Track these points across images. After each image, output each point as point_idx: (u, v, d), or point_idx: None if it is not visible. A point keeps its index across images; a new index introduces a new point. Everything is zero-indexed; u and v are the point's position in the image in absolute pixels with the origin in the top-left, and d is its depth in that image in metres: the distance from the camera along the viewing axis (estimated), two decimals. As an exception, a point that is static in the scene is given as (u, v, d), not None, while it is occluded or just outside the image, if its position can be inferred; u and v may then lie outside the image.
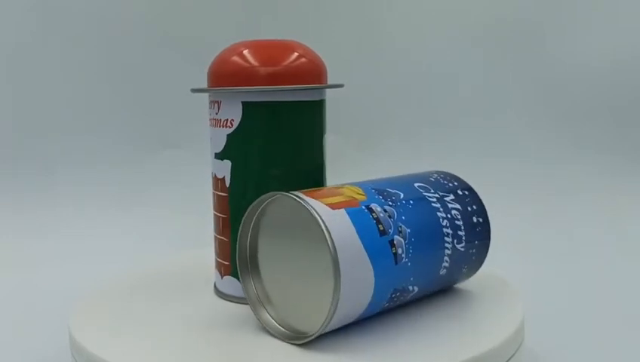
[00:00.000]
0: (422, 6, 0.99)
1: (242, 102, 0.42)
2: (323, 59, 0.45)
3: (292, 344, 0.37)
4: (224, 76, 0.43)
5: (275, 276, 0.39)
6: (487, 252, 0.45)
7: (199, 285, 0.47)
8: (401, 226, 0.38)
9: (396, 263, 0.37)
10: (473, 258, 0.43)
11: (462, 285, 0.47)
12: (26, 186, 0.90)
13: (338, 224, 0.35)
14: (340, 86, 0.46)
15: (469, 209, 0.43)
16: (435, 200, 0.41)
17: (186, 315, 0.42)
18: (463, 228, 0.42)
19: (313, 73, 0.43)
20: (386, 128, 0.98)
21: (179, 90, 0.94)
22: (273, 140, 0.42)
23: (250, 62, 0.42)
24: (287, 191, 0.37)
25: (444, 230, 0.41)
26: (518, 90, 0.97)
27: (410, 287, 0.39)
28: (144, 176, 0.57)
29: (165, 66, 0.97)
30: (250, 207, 0.38)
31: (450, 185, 0.44)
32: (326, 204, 0.36)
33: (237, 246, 0.39)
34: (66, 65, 0.95)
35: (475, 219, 0.43)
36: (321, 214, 0.34)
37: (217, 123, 0.43)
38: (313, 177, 0.44)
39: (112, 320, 0.42)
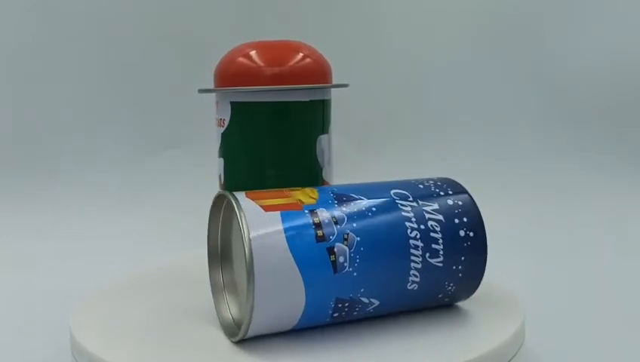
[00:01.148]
0: (422, 7, 0.99)
1: (230, 103, 0.43)
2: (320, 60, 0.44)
3: (230, 340, 0.37)
4: (221, 77, 0.44)
5: (239, 271, 0.39)
6: (482, 269, 0.40)
7: (199, 285, 0.47)
8: (348, 234, 0.36)
9: (336, 272, 0.35)
10: (460, 275, 0.39)
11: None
12: (27, 187, 0.90)
13: (264, 226, 0.34)
14: (324, 87, 0.44)
15: (456, 221, 0.39)
16: (408, 208, 0.38)
17: (187, 315, 0.42)
18: (441, 241, 0.38)
19: (304, 74, 0.43)
20: (387, 129, 0.97)
21: (179, 90, 0.97)
22: (258, 140, 0.43)
23: (246, 63, 0.43)
24: (231, 191, 0.37)
25: (412, 241, 0.37)
26: (519, 91, 0.96)
27: (366, 299, 0.37)
28: (144, 176, 0.58)
29: (165, 67, 0.98)
30: (212, 201, 0.39)
31: (442, 193, 0.40)
32: (261, 206, 0.35)
33: (207, 238, 0.41)
34: (66, 66, 0.96)
35: (462, 233, 0.39)
36: (247, 215, 0.34)
37: (217, 122, 0.45)
38: (304, 178, 0.43)
39: (112, 320, 0.41)
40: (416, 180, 0.42)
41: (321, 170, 0.45)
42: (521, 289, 0.47)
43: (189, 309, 0.43)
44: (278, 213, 0.35)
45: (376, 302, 0.37)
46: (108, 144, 0.94)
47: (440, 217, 0.38)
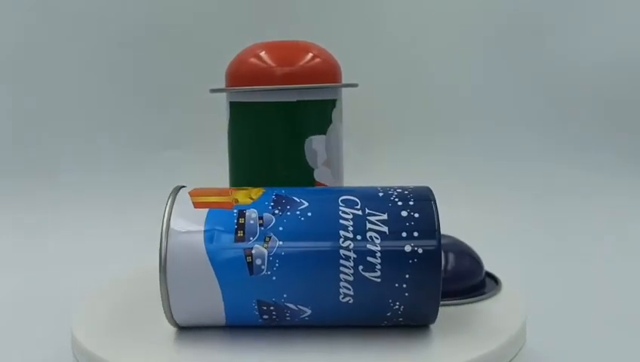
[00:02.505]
0: (422, 7, 0.98)
1: (229, 103, 0.45)
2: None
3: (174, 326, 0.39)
4: (230, 77, 0.46)
5: None
6: (435, 290, 0.35)
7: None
8: (270, 236, 0.35)
9: (252, 274, 0.35)
10: (407, 294, 0.35)
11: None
12: (27, 187, 0.90)
13: (186, 222, 0.35)
14: (323, 87, 0.43)
15: (404, 235, 0.35)
16: (349, 217, 0.35)
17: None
18: (378, 254, 0.35)
19: (260, 76, 0.42)
20: (387, 130, 0.95)
21: (179, 91, 0.97)
22: (246, 140, 0.44)
23: (246, 65, 0.44)
24: (183, 187, 0.39)
25: (343, 252, 0.35)
26: (518, 91, 0.96)
27: (293, 306, 0.35)
28: (144, 176, 0.55)
29: (166, 68, 0.96)
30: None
31: (399, 204, 0.36)
32: (194, 202, 0.37)
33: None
34: (66, 66, 0.94)
35: (408, 248, 0.35)
36: (173, 210, 0.36)
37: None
38: (292, 178, 0.43)
39: (113, 320, 0.42)
40: (385, 187, 0.38)
41: (312, 170, 0.44)
42: (521, 289, 0.47)
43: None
44: (206, 210, 0.36)
45: (308, 311, 0.36)
46: (108, 144, 0.94)
47: (384, 229, 0.35)
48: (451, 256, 0.48)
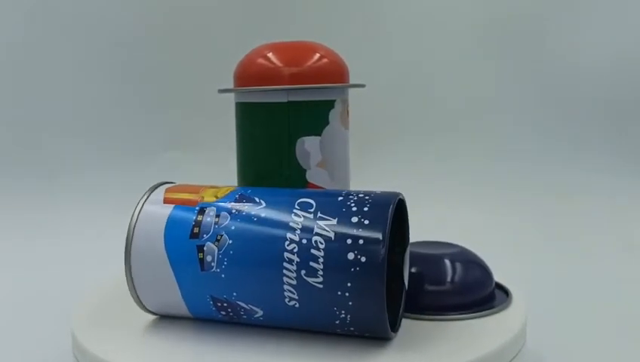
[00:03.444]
0: (421, 7, 0.97)
1: (235, 103, 0.46)
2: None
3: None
4: (234, 78, 0.47)
5: None
6: (378, 302, 0.33)
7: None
8: (221, 235, 0.36)
9: (203, 270, 0.36)
10: (350, 303, 0.33)
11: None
12: (28, 188, 0.90)
13: (152, 216, 0.37)
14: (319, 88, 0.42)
15: (349, 242, 0.33)
16: (300, 220, 0.35)
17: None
18: (322, 260, 0.34)
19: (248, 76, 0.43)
20: (387, 130, 0.94)
21: (180, 92, 0.94)
22: (244, 140, 0.44)
23: (251, 66, 0.45)
24: (166, 183, 0.41)
25: (287, 255, 0.34)
26: (519, 91, 0.95)
27: (244, 305, 0.36)
28: (145, 177, 0.51)
29: (166, 68, 0.94)
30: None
31: (354, 209, 0.35)
32: (165, 198, 0.38)
33: None
34: (67, 67, 0.94)
35: (351, 256, 0.33)
36: (145, 205, 0.38)
37: (242, 121, 0.48)
38: (282, 178, 0.43)
39: (114, 321, 0.42)
40: (351, 192, 0.37)
41: (304, 171, 0.44)
42: (522, 289, 0.46)
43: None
44: (172, 206, 0.38)
45: (260, 311, 0.36)
46: (109, 145, 0.94)
47: (330, 234, 0.34)
48: (458, 267, 0.45)
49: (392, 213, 0.35)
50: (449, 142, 0.96)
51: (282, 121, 0.43)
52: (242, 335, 0.38)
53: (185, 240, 0.37)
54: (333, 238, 0.34)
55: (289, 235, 0.35)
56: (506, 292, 0.46)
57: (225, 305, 0.37)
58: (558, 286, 0.63)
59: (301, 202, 0.37)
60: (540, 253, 0.73)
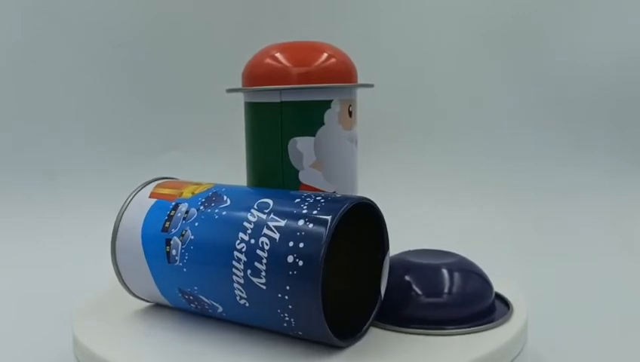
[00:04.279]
0: (422, 8, 0.97)
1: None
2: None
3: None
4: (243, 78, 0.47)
5: None
6: (313, 308, 0.32)
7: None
8: (186, 230, 0.37)
9: (169, 262, 0.37)
10: (290, 307, 0.33)
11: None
12: (29, 188, 0.89)
13: (136, 208, 0.40)
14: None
15: (290, 244, 0.33)
16: (254, 220, 0.35)
17: (189, 315, 0.42)
18: (265, 261, 0.33)
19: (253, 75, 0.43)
20: (387, 130, 0.93)
21: (180, 92, 0.92)
22: (247, 139, 0.45)
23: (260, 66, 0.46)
24: (162, 179, 0.44)
25: (236, 254, 0.35)
26: (519, 92, 0.95)
27: (206, 299, 0.37)
28: (145, 177, 0.49)
29: (166, 68, 0.93)
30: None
31: (305, 211, 0.34)
32: (152, 192, 0.41)
33: None
34: (67, 68, 0.93)
35: (290, 259, 0.33)
36: (134, 198, 0.41)
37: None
38: (276, 179, 0.44)
39: (114, 321, 0.42)
40: (312, 194, 0.36)
41: (297, 172, 0.43)
42: (522, 289, 0.46)
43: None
44: (154, 201, 0.40)
45: (219, 307, 0.37)
46: (109, 145, 0.93)
47: (276, 236, 0.34)
48: (456, 278, 0.42)
49: (338, 217, 0.34)
50: (449, 143, 0.96)
51: (276, 121, 0.44)
52: (244, 337, 0.38)
53: (157, 233, 0.39)
54: (277, 240, 0.34)
55: (241, 235, 0.36)
56: (506, 303, 0.43)
57: (191, 297, 0.38)
58: (558, 285, 0.63)
59: (260, 202, 0.37)
60: (540, 253, 0.74)
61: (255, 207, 0.37)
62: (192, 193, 0.40)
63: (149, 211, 0.40)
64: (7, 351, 0.50)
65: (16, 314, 0.59)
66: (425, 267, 0.42)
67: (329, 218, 0.34)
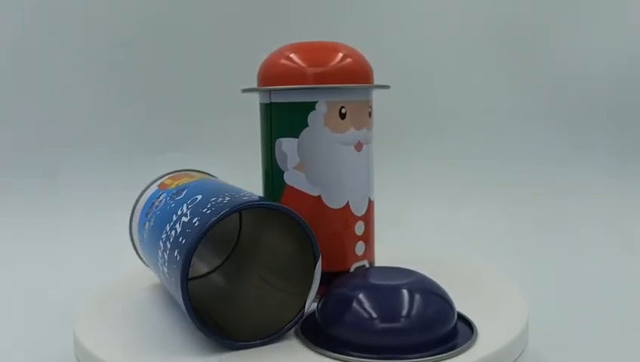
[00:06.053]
0: (421, 7, 0.96)
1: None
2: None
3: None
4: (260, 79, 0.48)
5: None
6: (185, 302, 0.33)
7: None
8: (152, 216, 0.42)
9: (143, 239, 0.43)
10: (175, 299, 0.35)
11: (467, 285, 0.46)
12: (29, 189, 0.88)
13: (148, 192, 0.47)
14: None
15: (180, 240, 0.35)
16: (180, 213, 0.38)
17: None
18: (166, 253, 0.36)
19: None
20: (387, 130, 0.76)
21: (180, 92, 0.91)
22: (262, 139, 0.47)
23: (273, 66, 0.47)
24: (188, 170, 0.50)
25: (160, 243, 0.39)
26: (519, 92, 0.95)
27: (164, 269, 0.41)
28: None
29: (166, 69, 0.92)
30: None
31: (204, 210, 0.35)
32: (162, 183, 0.46)
33: None
34: (67, 68, 0.91)
35: (175, 253, 0.34)
36: (150, 186, 0.47)
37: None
38: (266, 179, 0.45)
39: (115, 322, 0.42)
40: (234, 193, 0.38)
41: (281, 173, 0.43)
42: (523, 289, 0.47)
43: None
44: (157, 189, 0.46)
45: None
46: (109, 145, 0.92)
47: (179, 230, 0.36)
48: (416, 301, 0.36)
49: (220, 218, 0.34)
50: (449, 143, 0.94)
51: (267, 121, 0.45)
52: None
53: (144, 215, 0.45)
54: (177, 233, 0.37)
55: (168, 226, 0.39)
56: (470, 326, 0.37)
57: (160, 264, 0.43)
58: (558, 285, 0.63)
59: (194, 198, 0.39)
60: (540, 253, 0.74)
61: (188, 201, 0.40)
62: (176, 185, 0.45)
63: (150, 196, 0.47)
64: (8, 351, 0.50)
65: (16, 314, 0.59)
66: (380, 288, 0.38)
67: (220, 219, 0.35)
